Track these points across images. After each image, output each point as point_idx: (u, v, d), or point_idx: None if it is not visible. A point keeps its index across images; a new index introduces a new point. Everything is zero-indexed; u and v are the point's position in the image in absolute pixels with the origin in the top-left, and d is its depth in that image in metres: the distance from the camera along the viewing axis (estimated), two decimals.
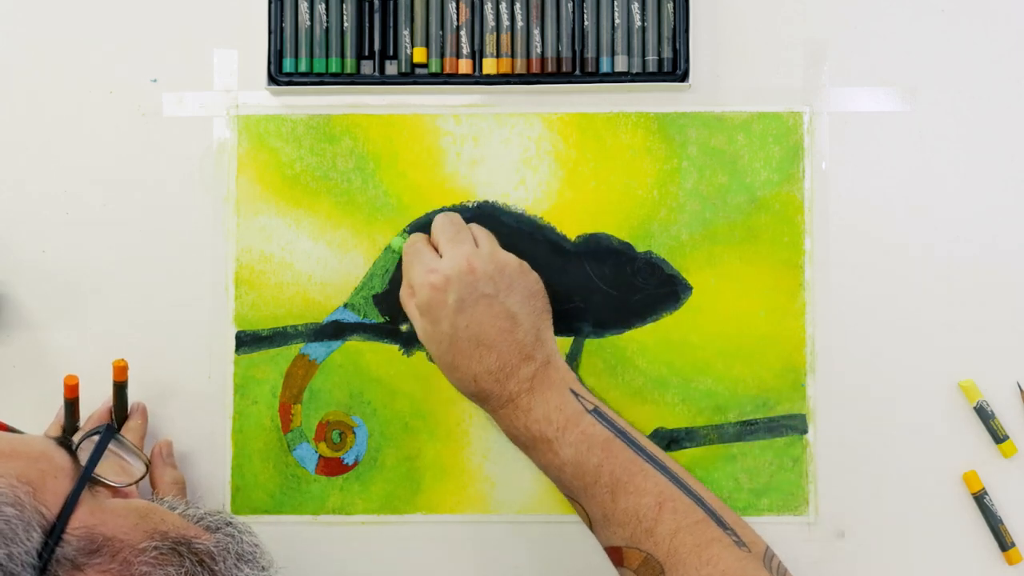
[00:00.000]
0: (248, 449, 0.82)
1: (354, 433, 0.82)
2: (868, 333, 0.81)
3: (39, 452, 0.60)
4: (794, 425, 0.81)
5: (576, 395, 0.74)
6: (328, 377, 0.82)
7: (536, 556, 0.81)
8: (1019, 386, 0.81)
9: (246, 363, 0.82)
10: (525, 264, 0.76)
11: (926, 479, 0.81)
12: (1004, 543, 0.80)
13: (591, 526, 0.74)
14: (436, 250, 0.76)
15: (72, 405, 0.77)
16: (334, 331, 0.82)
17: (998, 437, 0.80)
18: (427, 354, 0.78)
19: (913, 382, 0.81)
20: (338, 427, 0.82)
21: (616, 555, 0.72)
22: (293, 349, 0.82)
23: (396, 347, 0.82)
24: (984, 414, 0.80)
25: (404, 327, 0.82)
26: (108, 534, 0.59)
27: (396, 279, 0.82)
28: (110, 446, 0.64)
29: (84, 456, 0.62)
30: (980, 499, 0.80)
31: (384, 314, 0.82)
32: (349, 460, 0.82)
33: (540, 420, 0.73)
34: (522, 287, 0.75)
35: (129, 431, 0.78)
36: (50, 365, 0.82)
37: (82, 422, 0.79)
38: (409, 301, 0.76)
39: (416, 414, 0.82)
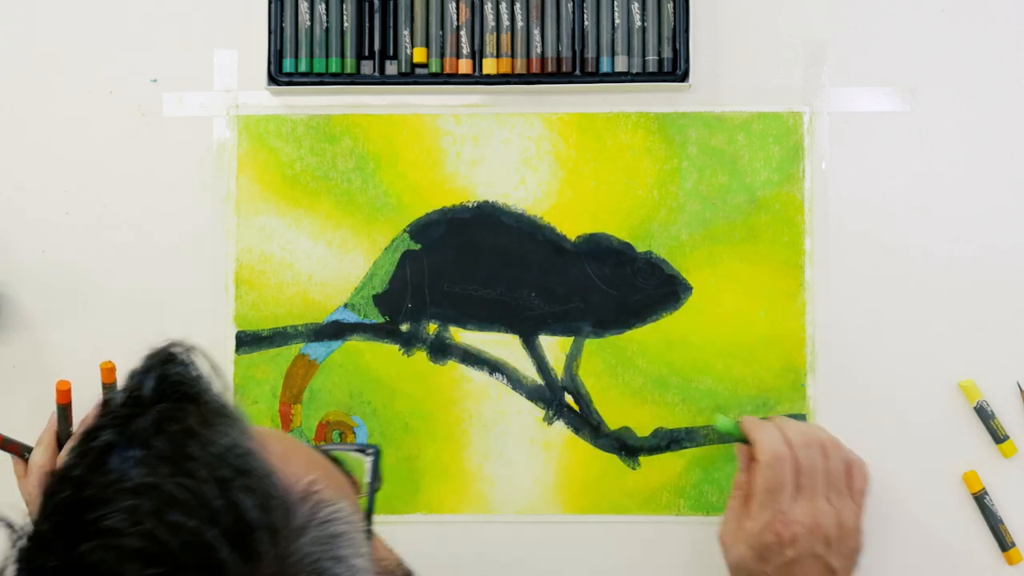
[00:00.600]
0: None
1: (354, 433, 0.82)
2: (868, 333, 0.81)
3: (331, 467, 0.55)
4: None
5: None
6: (328, 377, 0.82)
7: (536, 556, 0.81)
8: (1019, 386, 0.81)
9: (246, 363, 0.82)
10: (859, 523, 0.74)
11: (926, 479, 0.81)
12: (1004, 543, 0.80)
13: None
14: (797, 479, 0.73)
15: (65, 410, 0.77)
16: (334, 331, 0.82)
17: (998, 437, 0.80)
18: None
19: (913, 382, 0.81)
20: (338, 427, 0.82)
21: None
22: (293, 349, 0.82)
23: (396, 347, 0.82)
24: (984, 414, 0.80)
25: (404, 327, 0.82)
26: (376, 556, 0.57)
27: (396, 279, 0.82)
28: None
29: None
30: (980, 499, 0.80)
31: (384, 314, 0.82)
32: None
33: None
34: (850, 549, 0.73)
35: None
36: (50, 365, 0.82)
37: (75, 426, 0.79)
38: (735, 502, 0.75)
39: (416, 414, 0.82)
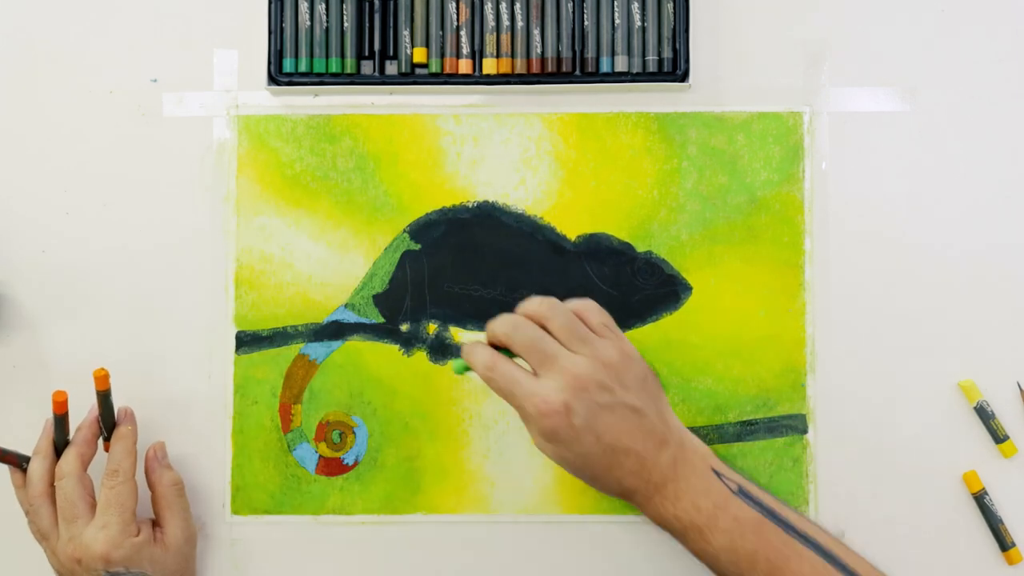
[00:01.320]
0: (248, 449, 0.82)
1: (354, 433, 0.82)
2: (868, 333, 0.81)
3: None
4: (794, 425, 0.81)
5: (719, 475, 0.71)
6: (328, 377, 0.82)
7: (536, 556, 0.81)
8: (1019, 386, 0.81)
9: (246, 363, 0.82)
10: (625, 349, 0.72)
11: (926, 479, 0.81)
12: (1004, 543, 0.80)
13: None
14: (503, 349, 0.71)
15: (62, 420, 0.77)
16: (334, 331, 0.82)
17: (998, 437, 0.80)
18: (552, 458, 0.72)
19: (913, 382, 0.81)
20: (338, 427, 0.82)
21: None
22: (293, 349, 0.82)
23: (396, 347, 0.82)
24: (984, 414, 0.80)
25: (404, 327, 0.82)
26: None
27: (396, 279, 0.82)
28: None
29: None
30: (980, 499, 0.80)
31: (384, 314, 0.82)
32: (349, 460, 0.82)
33: (688, 508, 0.70)
34: (633, 377, 0.71)
35: (120, 438, 0.78)
36: (49, 365, 0.82)
37: (71, 433, 0.78)
38: (529, 425, 0.72)
39: (416, 414, 0.82)
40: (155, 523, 0.78)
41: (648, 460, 0.70)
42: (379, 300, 0.82)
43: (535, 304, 0.72)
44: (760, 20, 0.83)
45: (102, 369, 0.76)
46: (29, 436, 0.79)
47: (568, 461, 0.71)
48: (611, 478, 0.71)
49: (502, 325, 0.71)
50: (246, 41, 0.83)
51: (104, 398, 0.77)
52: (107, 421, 0.78)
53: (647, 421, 0.70)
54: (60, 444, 0.78)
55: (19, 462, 0.78)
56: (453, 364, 0.74)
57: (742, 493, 0.71)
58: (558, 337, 0.71)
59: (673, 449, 0.71)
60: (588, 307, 0.73)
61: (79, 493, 0.76)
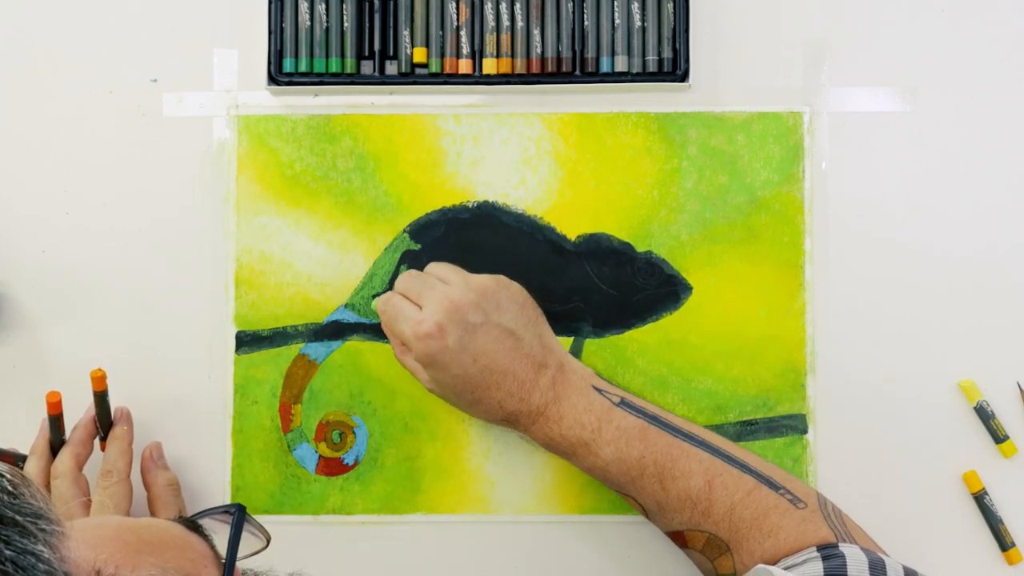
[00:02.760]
0: (248, 449, 0.82)
1: (354, 433, 0.82)
2: (868, 333, 0.81)
3: (183, 540, 0.56)
4: (794, 425, 0.81)
5: (600, 391, 0.74)
6: (328, 377, 0.82)
7: (536, 556, 0.81)
8: (1019, 386, 0.81)
9: (246, 363, 0.82)
10: (502, 278, 0.76)
11: (926, 479, 0.81)
12: (1004, 543, 0.80)
13: (647, 515, 0.75)
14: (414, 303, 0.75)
15: (56, 420, 0.77)
16: (334, 331, 0.82)
17: (998, 437, 0.80)
18: (439, 396, 0.76)
19: (913, 382, 0.81)
20: (338, 427, 0.82)
21: (679, 538, 0.74)
22: (293, 349, 0.82)
23: None
24: (984, 414, 0.80)
25: None
26: None
27: (396, 279, 0.82)
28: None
29: (217, 539, 0.58)
30: (980, 499, 0.80)
31: None
32: (349, 460, 0.82)
33: (573, 426, 0.73)
34: (508, 302, 0.74)
35: (116, 438, 0.78)
36: (49, 365, 0.82)
37: (67, 433, 0.78)
38: (405, 358, 0.75)
39: (416, 414, 0.82)
40: None
41: (527, 382, 0.73)
42: None
43: (426, 268, 0.77)
44: (760, 20, 0.83)
45: (99, 370, 0.76)
46: (29, 435, 0.79)
47: (449, 387, 0.73)
48: (492, 401, 0.73)
49: (399, 278, 0.76)
50: (246, 41, 0.83)
51: (101, 399, 0.77)
52: (103, 421, 0.78)
53: (524, 344, 0.73)
54: (56, 444, 0.78)
55: (15, 461, 0.78)
56: (373, 303, 0.78)
57: (624, 404, 0.74)
58: (438, 276, 0.75)
59: (552, 371, 0.74)
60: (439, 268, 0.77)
61: (73, 493, 0.76)
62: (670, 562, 0.80)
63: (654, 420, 0.73)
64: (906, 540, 0.80)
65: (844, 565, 0.67)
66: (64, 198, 0.83)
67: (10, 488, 0.48)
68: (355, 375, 0.82)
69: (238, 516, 0.59)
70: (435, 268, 0.77)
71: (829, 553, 0.68)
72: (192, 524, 0.57)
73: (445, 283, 0.74)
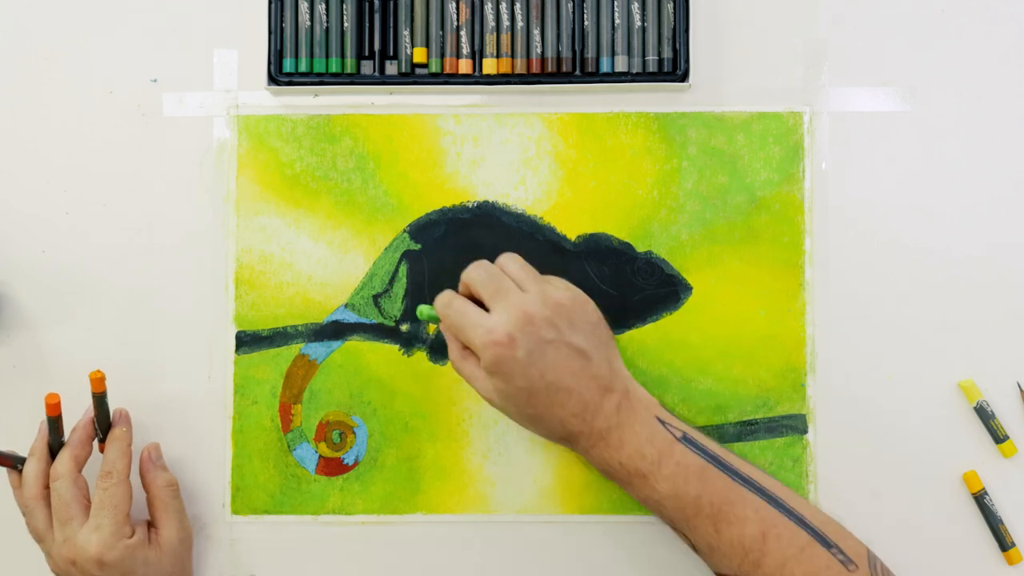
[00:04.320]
0: (248, 449, 0.82)
1: (354, 433, 0.82)
2: (868, 333, 0.81)
3: None
4: (794, 425, 0.81)
5: (663, 423, 0.73)
6: (328, 377, 0.82)
7: (536, 556, 0.81)
8: (1019, 386, 0.81)
9: (246, 363, 0.82)
10: (579, 294, 0.74)
11: (926, 479, 0.81)
12: (1004, 543, 0.80)
13: (698, 554, 0.74)
14: (479, 303, 0.74)
15: (55, 422, 0.77)
16: (334, 331, 0.82)
17: (998, 437, 0.80)
18: (498, 407, 0.74)
19: (913, 382, 0.81)
20: (338, 427, 0.82)
21: None
22: (293, 349, 0.82)
23: (396, 347, 0.82)
24: (984, 414, 0.80)
25: (404, 327, 0.82)
26: None
27: (396, 279, 0.82)
28: None
29: None
30: (980, 499, 0.80)
31: (384, 314, 0.82)
32: (349, 460, 0.82)
33: (633, 456, 0.71)
34: (582, 321, 0.73)
35: (115, 439, 0.78)
36: (49, 365, 0.82)
37: (66, 435, 0.78)
38: (466, 364, 0.74)
39: (416, 414, 0.82)
40: (150, 525, 0.78)
41: (591, 404, 0.71)
42: (379, 300, 0.82)
43: (498, 260, 0.75)
44: (760, 20, 0.83)
45: (98, 371, 0.76)
46: (29, 436, 0.79)
47: (512, 398, 0.71)
48: (554, 418, 0.72)
49: (469, 269, 0.74)
50: (246, 41, 0.83)
51: (100, 400, 0.77)
52: (102, 423, 0.78)
53: (592, 365, 0.72)
54: (55, 446, 0.78)
55: (14, 463, 0.78)
56: (420, 309, 0.76)
57: (686, 440, 0.72)
58: (513, 278, 0.73)
59: (618, 396, 0.72)
60: (512, 258, 0.75)
61: (73, 494, 0.76)
62: (670, 562, 0.80)
63: (714, 460, 0.72)
64: (906, 540, 0.80)
65: None
66: (64, 198, 0.83)
67: None
68: (355, 375, 0.82)
69: None
70: (510, 266, 0.74)
71: None
72: None
73: (521, 289, 0.72)
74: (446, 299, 0.74)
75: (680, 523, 0.72)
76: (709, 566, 0.73)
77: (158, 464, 0.79)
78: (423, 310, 0.75)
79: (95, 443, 0.79)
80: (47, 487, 0.77)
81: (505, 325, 0.70)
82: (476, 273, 0.74)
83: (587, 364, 0.72)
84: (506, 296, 0.72)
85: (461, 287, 0.75)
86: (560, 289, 0.73)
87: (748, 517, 0.70)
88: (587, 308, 0.74)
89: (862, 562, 0.71)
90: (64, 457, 0.77)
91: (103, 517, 0.75)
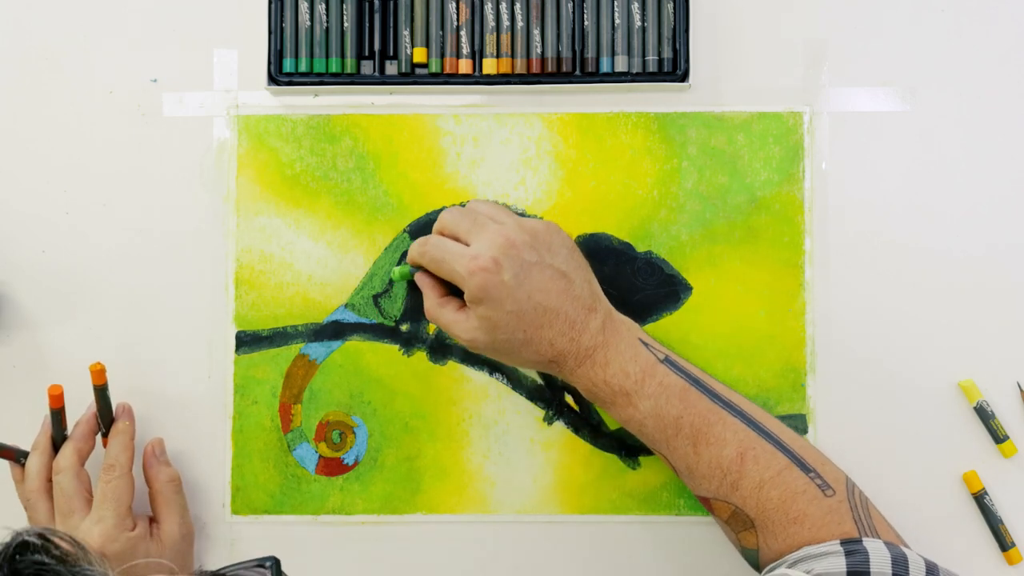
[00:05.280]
0: (248, 449, 0.82)
1: (354, 433, 0.82)
2: (868, 333, 0.81)
3: None
4: (794, 425, 0.81)
5: (646, 345, 0.74)
6: (328, 377, 0.82)
7: (536, 556, 0.81)
8: (1019, 386, 0.81)
9: (246, 363, 0.82)
10: (552, 223, 0.76)
11: (926, 479, 0.81)
12: (1004, 543, 0.80)
13: (678, 475, 0.75)
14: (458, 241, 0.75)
15: (58, 415, 0.77)
16: (334, 331, 0.82)
17: (998, 437, 0.80)
18: (481, 345, 0.75)
19: (913, 382, 0.81)
20: (338, 427, 0.82)
21: (706, 504, 0.74)
22: (293, 349, 0.82)
23: (396, 347, 0.82)
24: (984, 414, 0.80)
25: (404, 327, 0.82)
26: None
27: (396, 281, 0.82)
28: None
29: None
30: (980, 499, 0.80)
31: (384, 314, 0.82)
32: (349, 460, 0.82)
33: (617, 374, 0.73)
34: (559, 245, 0.75)
35: (118, 433, 0.78)
36: (49, 365, 0.82)
37: (69, 428, 0.79)
38: (444, 310, 0.75)
39: (416, 414, 0.82)
40: (152, 519, 0.78)
41: (578, 323, 0.73)
42: (379, 300, 0.82)
43: (468, 203, 0.78)
44: (760, 20, 0.83)
45: (98, 364, 0.76)
46: (29, 435, 0.79)
47: (499, 325, 0.72)
48: (543, 340, 0.73)
49: (443, 214, 0.76)
50: (246, 41, 0.83)
51: (101, 392, 0.77)
52: (105, 417, 0.78)
53: (575, 286, 0.74)
54: (58, 439, 0.78)
55: (17, 457, 0.78)
56: (393, 271, 0.78)
57: (668, 361, 0.74)
58: (486, 214, 0.75)
59: (601, 316, 0.74)
60: (484, 205, 0.78)
61: (75, 488, 0.76)
62: (670, 562, 0.80)
63: (696, 382, 0.74)
64: (906, 540, 0.80)
65: (867, 562, 0.67)
66: (64, 198, 0.83)
67: (62, 555, 0.47)
68: (355, 375, 0.82)
69: (274, 569, 0.59)
70: (481, 205, 0.77)
71: (852, 549, 0.68)
72: None
73: (496, 221, 0.74)
74: (421, 240, 0.76)
75: (660, 444, 0.73)
76: (689, 488, 0.75)
77: (161, 459, 0.79)
78: (396, 271, 0.78)
79: (98, 438, 0.79)
80: (49, 480, 0.77)
81: (489, 250, 0.72)
82: (448, 215, 0.76)
83: (570, 285, 0.73)
84: (484, 227, 0.74)
85: (435, 232, 0.77)
86: (533, 219, 0.75)
87: (727, 439, 0.72)
88: (561, 234, 0.75)
89: (840, 487, 0.72)
90: (67, 450, 0.77)
91: (105, 510, 0.75)
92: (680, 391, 0.73)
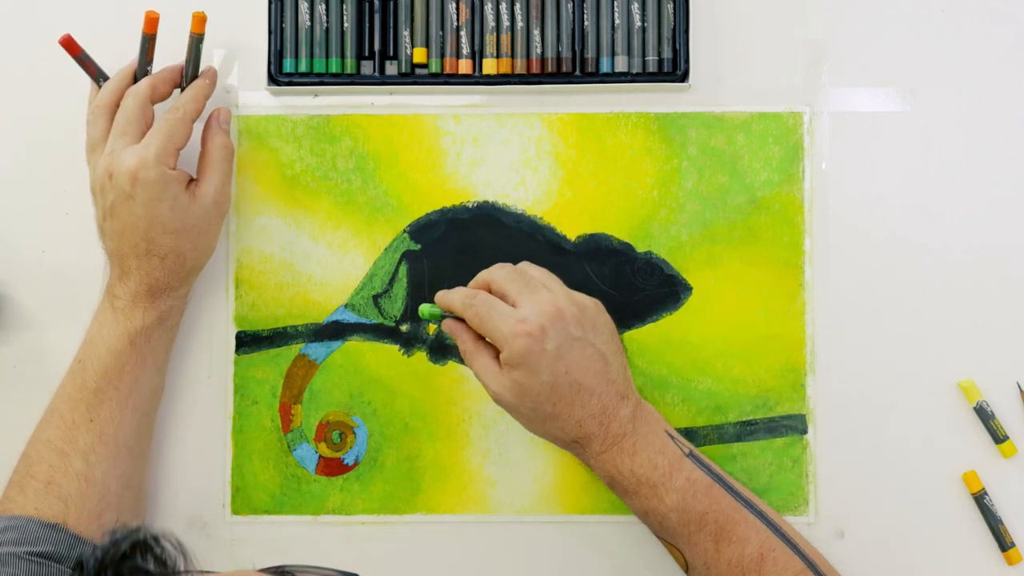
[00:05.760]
0: (248, 449, 0.82)
1: (354, 433, 0.82)
2: (868, 333, 0.81)
3: None
4: (794, 425, 0.81)
5: (672, 437, 0.74)
6: (328, 377, 0.82)
7: (536, 556, 0.81)
8: (1019, 386, 0.81)
9: (246, 363, 0.82)
10: (599, 302, 0.75)
11: (926, 479, 0.81)
12: (1004, 543, 0.80)
13: (686, 571, 0.74)
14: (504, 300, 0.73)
15: (147, 43, 0.78)
16: (334, 331, 0.82)
17: (998, 437, 0.80)
18: (506, 404, 0.73)
19: (913, 382, 0.81)
20: (338, 427, 0.82)
21: None
22: (293, 349, 0.82)
23: (396, 347, 0.82)
24: (984, 414, 0.80)
25: (404, 327, 0.82)
26: None
27: (396, 279, 0.82)
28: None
29: None
30: (980, 499, 0.80)
31: (384, 314, 0.82)
32: (349, 460, 0.82)
33: (645, 464, 0.72)
34: (604, 326, 0.73)
35: (195, 86, 0.79)
36: (49, 365, 0.82)
37: (154, 66, 0.79)
38: (479, 356, 0.73)
39: (416, 414, 0.82)
40: (193, 180, 0.78)
41: (609, 408, 0.72)
42: (379, 300, 0.82)
43: (518, 265, 0.75)
44: (760, 20, 0.83)
45: (202, 12, 0.78)
46: (28, 436, 0.79)
47: (531, 393, 0.71)
48: (571, 418, 0.72)
49: (493, 269, 0.74)
50: (246, 41, 0.83)
51: (196, 43, 0.79)
52: (191, 71, 0.80)
53: (612, 370, 0.73)
54: (140, 73, 0.79)
55: (97, 76, 0.80)
56: (422, 308, 0.76)
57: (693, 456, 0.73)
58: (536, 278, 0.74)
59: (632, 404, 0.73)
60: (530, 267, 0.76)
61: (137, 115, 0.77)
62: (670, 562, 0.80)
63: (719, 479, 0.73)
64: (906, 540, 0.80)
65: None
66: (64, 198, 0.83)
67: (165, 559, 0.48)
68: (355, 375, 0.82)
69: None
70: (532, 269, 0.75)
71: None
72: None
73: (547, 289, 0.73)
74: (467, 293, 0.73)
75: (680, 538, 0.73)
76: None
77: (223, 127, 0.80)
78: (425, 309, 0.75)
79: (176, 92, 0.80)
80: (117, 105, 0.78)
81: (538, 317, 0.70)
82: (501, 272, 0.74)
83: (607, 367, 0.72)
84: (536, 292, 0.72)
85: (479, 286, 0.74)
86: (582, 295, 0.74)
87: (749, 538, 0.71)
88: (605, 314, 0.74)
89: None
90: (143, 82, 0.78)
91: (154, 138, 0.75)
92: (706, 487, 0.72)
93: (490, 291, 0.74)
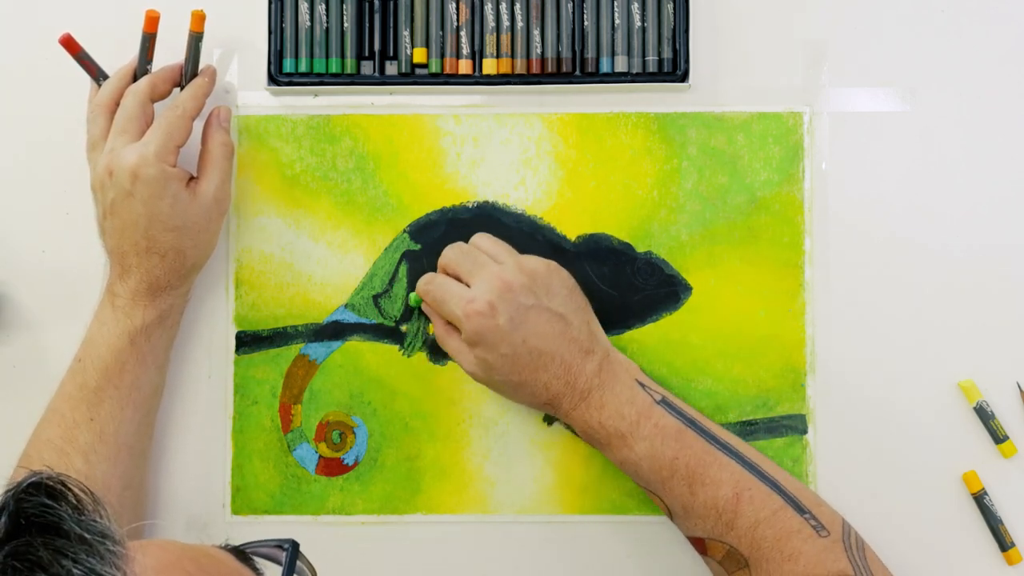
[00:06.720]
0: (248, 449, 0.82)
1: (354, 433, 0.82)
2: (868, 333, 0.81)
3: (237, 574, 0.54)
4: (794, 425, 0.81)
5: (643, 386, 0.75)
6: (328, 377, 0.82)
7: (536, 556, 0.81)
8: (1019, 386, 0.81)
9: (246, 363, 0.82)
10: (552, 263, 0.76)
11: (926, 479, 0.81)
12: (1004, 543, 0.80)
13: (671, 517, 0.75)
14: (459, 281, 0.76)
15: (148, 42, 0.78)
16: (334, 331, 0.82)
17: (998, 437, 0.80)
18: (481, 380, 0.76)
19: (913, 382, 0.81)
20: (338, 427, 0.82)
21: (699, 545, 0.74)
22: (293, 349, 0.82)
23: (396, 347, 0.82)
24: (984, 414, 0.80)
25: (404, 327, 0.82)
26: None
27: (396, 279, 0.82)
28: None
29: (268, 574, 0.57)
30: (980, 499, 0.80)
31: (384, 314, 0.82)
32: (349, 460, 0.82)
33: (613, 416, 0.73)
34: (559, 287, 0.75)
35: (194, 84, 0.79)
36: (49, 365, 0.82)
37: (154, 64, 0.79)
38: (449, 339, 0.76)
39: (416, 414, 0.82)
40: (194, 178, 0.78)
41: (574, 366, 0.73)
42: (379, 300, 0.82)
43: (471, 239, 0.78)
44: (760, 20, 0.83)
45: (201, 10, 0.78)
46: (28, 435, 0.79)
47: (496, 368, 0.73)
48: (537, 382, 0.73)
49: (445, 251, 0.77)
50: (246, 41, 0.83)
51: (195, 41, 0.79)
52: (190, 69, 0.80)
53: (572, 328, 0.74)
54: (140, 72, 0.79)
55: (97, 76, 0.80)
56: (411, 296, 0.80)
57: (664, 403, 0.74)
58: (487, 252, 0.76)
59: (598, 358, 0.74)
60: (482, 238, 0.79)
61: (137, 113, 0.77)
62: (669, 562, 0.80)
63: (692, 424, 0.74)
64: (906, 540, 0.80)
65: None
66: (64, 198, 0.83)
67: (75, 502, 0.47)
68: (355, 375, 0.82)
69: (292, 552, 0.57)
70: (483, 242, 0.77)
71: None
72: (244, 556, 0.55)
73: (496, 261, 0.75)
74: (427, 278, 0.78)
75: (655, 485, 0.73)
76: (682, 529, 0.75)
77: (223, 125, 0.80)
78: (413, 297, 0.80)
79: (176, 91, 0.80)
80: (117, 103, 0.78)
81: (485, 294, 0.73)
82: (451, 253, 0.77)
83: (566, 327, 0.74)
84: (483, 268, 0.75)
85: (439, 270, 0.78)
86: (533, 259, 0.76)
87: (723, 479, 0.72)
88: (561, 274, 0.76)
89: (835, 529, 0.72)
90: (143, 81, 0.78)
91: (154, 136, 0.75)
92: (676, 433, 0.73)
93: (447, 273, 0.77)
